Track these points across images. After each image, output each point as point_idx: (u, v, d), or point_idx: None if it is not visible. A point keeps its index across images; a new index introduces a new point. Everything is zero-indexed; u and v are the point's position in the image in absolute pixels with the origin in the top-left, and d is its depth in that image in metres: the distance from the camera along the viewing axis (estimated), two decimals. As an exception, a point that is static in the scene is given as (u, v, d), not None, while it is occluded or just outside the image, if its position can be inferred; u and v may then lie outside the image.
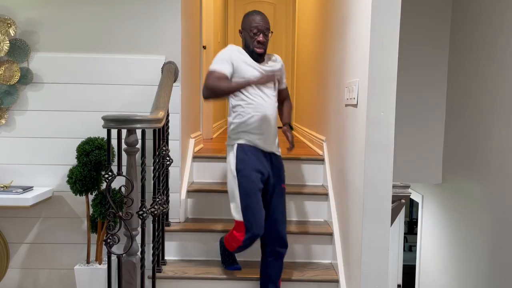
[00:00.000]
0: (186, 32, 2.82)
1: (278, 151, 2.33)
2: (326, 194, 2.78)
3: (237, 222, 2.18)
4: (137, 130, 1.92)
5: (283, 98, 2.46)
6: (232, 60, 2.18)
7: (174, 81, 2.55)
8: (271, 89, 2.27)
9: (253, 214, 2.13)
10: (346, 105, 2.31)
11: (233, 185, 2.18)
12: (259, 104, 2.20)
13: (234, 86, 2.13)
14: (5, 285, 2.69)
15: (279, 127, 2.31)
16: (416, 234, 4.67)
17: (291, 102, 2.52)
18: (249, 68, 2.20)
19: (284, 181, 2.32)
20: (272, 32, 2.28)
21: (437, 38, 3.31)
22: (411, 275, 4.79)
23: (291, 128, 2.39)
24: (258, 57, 2.24)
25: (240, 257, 2.57)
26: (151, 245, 2.26)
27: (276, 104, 2.32)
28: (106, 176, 1.86)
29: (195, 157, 2.99)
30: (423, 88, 3.33)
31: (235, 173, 2.17)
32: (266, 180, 2.23)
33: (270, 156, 2.27)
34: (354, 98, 2.11)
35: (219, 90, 2.13)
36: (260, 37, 2.18)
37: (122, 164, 1.89)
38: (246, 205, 2.14)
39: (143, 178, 1.99)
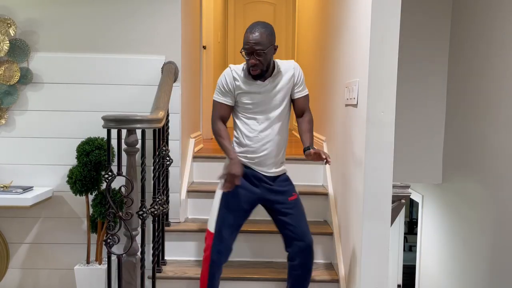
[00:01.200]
0: (186, 32, 2.82)
1: (279, 172, 2.15)
2: (326, 194, 2.78)
3: (208, 233, 2.11)
4: (137, 130, 1.92)
5: (300, 110, 2.20)
6: (232, 89, 2.08)
7: (174, 81, 2.55)
8: (276, 109, 2.10)
9: (223, 231, 2.07)
10: (346, 105, 2.31)
11: (217, 198, 2.11)
12: (259, 129, 2.09)
13: (223, 147, 2.11)
14: (5, 285, 2.69)
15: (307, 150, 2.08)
16: (416, 234, 4.67)
17: (311, 114, 2.22)
18: (247, 95, 2.08)
19: (292, 193, 2.15)
20: (276, 47, 2.05)
21: (437, 38, 3.30)
22: (411, 275, 4.79)
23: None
24: (258, 77, 2.07)
25: (242, 256, 2.57)
26: (151, 245, 2.27)
27: (283, 123, 2.15)
28: (106, 176, 1.86)
29: (195, 157, 2.99)
30: (423, 88, 3.33)
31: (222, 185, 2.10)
32: (263, 201, 2.14)
33: (267, 177, 2.11)
34: (354, 98, 2.11)
35: (217, 140, 2.15)
36: (252, 60, 1.99)
37: (122, 164, 1.89)
38: (219, 218, 2.08)
39: (143, 178, 1.99)
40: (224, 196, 2.09)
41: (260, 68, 2.02)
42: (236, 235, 2.14)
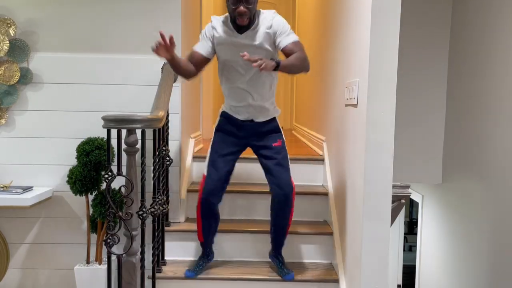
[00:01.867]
0: (186, 32, 2.82)
1: (263, 119, 2.25)
2: (326, 194, 2.78)
3: (203, 176, 2.28)
4: (137, 130, 1.92)
5: (290, 54, 2.06)
6: (210, 37, 2.11)
7: (174, 81, 2.55)
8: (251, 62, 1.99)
9: (212, 170, 2.22)
10: (346, 105, 2.31)
11: (210, 145, 2.30)
12: (234, 78, 2.16)
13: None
14: (5, 285, 2.69)
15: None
16: (416, 234, 4.67)
17: (302, 55, 2.03)
18: (224, 46, 2.10)
19: (277, 139, 2.25)
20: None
21: (437, 38, 3.31)
22: (411, 275, 4.79)
23: (277, 64, 1.92)
24: (241, 28, 2.05)
25: (242, 256, 2.57)
26: (151, 245, 2.26)
27: (266, 77, 2.13)
28: (106, 176, 1.86)
29: (195, 157, 2.99)
30: (423, 88, 3.33)
31: (213, 132, 2.31)
32: (246, 146, 2.27)
33: (250, 123, 2.24)
34: (354, 98, 2.11)
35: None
36: (240, 8, 1.94)
37: (122, 164, 1.89)
38: (210, 160, 2.24)
39: (143, 178, 1.99)
40: (214, 142, 2.27)
41: (248, 16, 1.98)
42: (228, 176, 2.25)
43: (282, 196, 2.22)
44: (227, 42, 2.10)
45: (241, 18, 1.97)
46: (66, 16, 2.59)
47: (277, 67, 1.93)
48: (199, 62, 2.14)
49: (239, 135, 2.26)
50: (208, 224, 2.32)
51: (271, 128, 2.27)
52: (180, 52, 2.61)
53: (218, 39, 2.11)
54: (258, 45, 2.08)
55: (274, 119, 2.30)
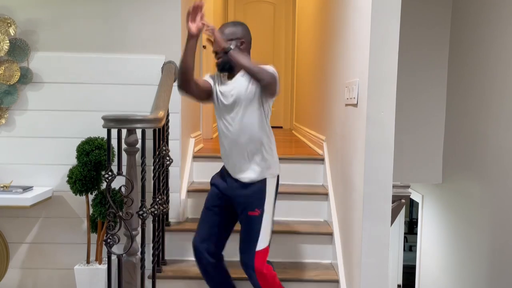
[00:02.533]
0: (185, 32, 2.81)
1: (248, 179, 2.02)
2: (326, 194, 2.78)
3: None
4: (137, 130, 1.92)
5: None
6: (215, 77, 2.10)
7: (174, 81, 2.55)
8: (233, 112, 2.00)
9: (199, 225, 2.14)
10: (346, 105, 2.31)
11: None
12: (222, 131, 2.06)
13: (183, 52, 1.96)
14: (5, 285, 2.69)
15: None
16: (416, 234, 4.67)
17: (263, 69, 1.89)
18: (214, 94, 2.07)
19: (255, 208, 2.01)
20: (240, 43, 1.99)
21: (437, 38, 3.31)
22: (411, 275, 4.80)
23: (228, 49, 1.91)
24: (223, 71, 2.04)
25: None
26: (151, 245, 2.26)
27: (249, 129, 1.99)
28: (106, 176, 1.86)
29: (195, 157, 2.99)
30: (423, 88, 3.33)
31: None
32: (230, 202, 2.09)
33: (236, 181, 2.06)
34: (354, 98, 2.12)
35: (179, 67, 1.99)
36: (216, 60, 2.00)
37: (122, 164, 1.89)
38: (202, 216, 2.16)
39: (143, 178, 1.99)
40: (207, 196, 2.17)
41: (226, 67, 1.97)
42: (218, 233, 2.11)
43: (246, 273, 2.07)
44: (216, 89, 2.06)
45: (219, 68, 2.01)
46: (66, 16, 2.59)
47: (228, 52, 1.91)
48: (201, 87, 2.03)
49: (224, 190, 2.10)
50: (208, 280, 2.17)
51: (253, 191, 2.02)
52: (180, 52, 2.62)
53: (214, 85, 2.08)
54: (237, 94, 1.99)
55: (263, 181, 2.03)
